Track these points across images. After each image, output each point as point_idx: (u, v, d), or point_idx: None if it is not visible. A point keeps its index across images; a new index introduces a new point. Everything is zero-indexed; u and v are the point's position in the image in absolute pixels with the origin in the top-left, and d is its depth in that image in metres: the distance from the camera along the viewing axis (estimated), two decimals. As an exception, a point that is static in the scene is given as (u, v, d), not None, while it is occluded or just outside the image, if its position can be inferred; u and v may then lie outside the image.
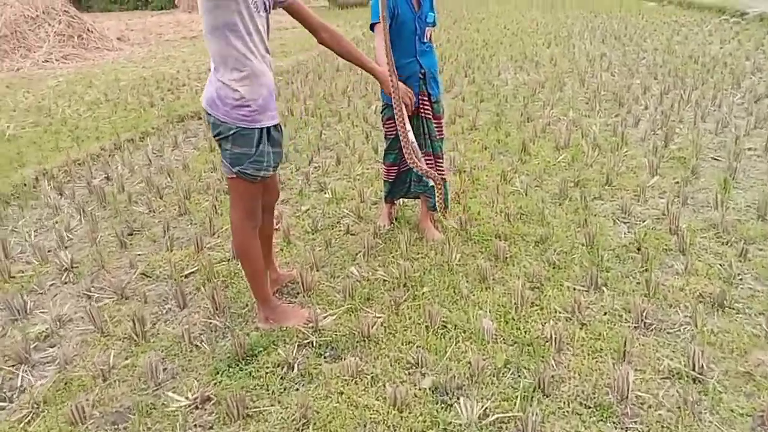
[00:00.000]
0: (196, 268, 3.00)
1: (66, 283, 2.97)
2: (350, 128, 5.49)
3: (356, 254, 3.08)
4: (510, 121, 5.45)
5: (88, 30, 13.25)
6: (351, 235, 3.32)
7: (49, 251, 3.31)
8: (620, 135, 4.64)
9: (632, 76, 6.94)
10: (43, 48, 12.15)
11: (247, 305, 2.64)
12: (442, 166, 3.16)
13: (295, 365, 2.21)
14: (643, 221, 3.28)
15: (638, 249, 2.96)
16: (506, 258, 2.93)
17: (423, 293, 2.66)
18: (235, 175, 2.18)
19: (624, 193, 3.67)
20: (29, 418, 2.02)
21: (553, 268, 2.84)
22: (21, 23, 12.35)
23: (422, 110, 2.99)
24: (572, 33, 11.20)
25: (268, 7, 2.16)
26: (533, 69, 7.81)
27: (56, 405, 2.06)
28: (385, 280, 2.79)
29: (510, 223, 3.30)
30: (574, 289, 2.65)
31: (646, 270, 2.75)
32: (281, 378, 2.16)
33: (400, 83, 2.69)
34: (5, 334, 2.54)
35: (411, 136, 2.72)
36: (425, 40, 2.95)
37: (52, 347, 2.43)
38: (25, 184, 4.33)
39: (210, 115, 2.13)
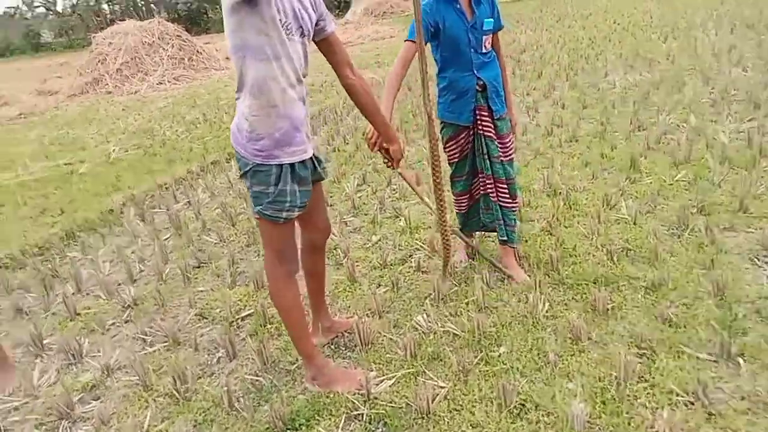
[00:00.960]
0: (253, 310, 2.78)
1: (127, 322, 2.87)
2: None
3: (425, 298, 2.69)
4: (617, 130, 4.77)
5: (198, 51, 14.03)
6: (422, 272, 2.94)
7: (119, 284, 3.27)
8: (757, 146, 3.83)
9: (771, 71, 5.89)
10: (157, 71, 13.01)
11: (297, 359, 2.35)
12: (505, 192, 2.70)
13: (340, 446, 1.87)
14: (793, 262, 2.58)
15: (787, 303, 2.29)
16: (607, 310, 2.39)
17: (499, 355, 2.22)
18: (257, 216, 1.93)
19: (764, 222, 2.95)
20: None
21: (669, 326, 2.26)
22: (139, 49, 13.34)
23: (481, 127, 2.61)
24: (693, 24, 9.97)
25: (306, 33, 1.88)
26: (646, 68, 6.94)
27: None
28: (455, 335, 2.38)
29: (613, 263, 2.74)
30: (698, 358, 2.07)
31: (800, 335, 2.10)
32: (321, 462, 1.84)
33: (396, 148, 2.36)
34: (57, 381, 2.45)
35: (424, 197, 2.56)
36: (484, 50, 2.55)
37: (95, 400, 2.30)
38: (111, 210, 4.42)
39: (234, 147, 1.88)
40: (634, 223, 3.11)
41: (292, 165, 1.89)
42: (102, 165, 6.16)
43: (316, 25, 1.95)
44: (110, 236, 4.02)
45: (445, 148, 2.73)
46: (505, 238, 2.75)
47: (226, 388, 2.12)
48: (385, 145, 2.30)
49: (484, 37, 2.53)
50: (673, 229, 3.02)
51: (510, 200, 2.72)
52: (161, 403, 2.21)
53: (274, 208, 1.89)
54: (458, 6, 2.49)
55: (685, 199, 3.32)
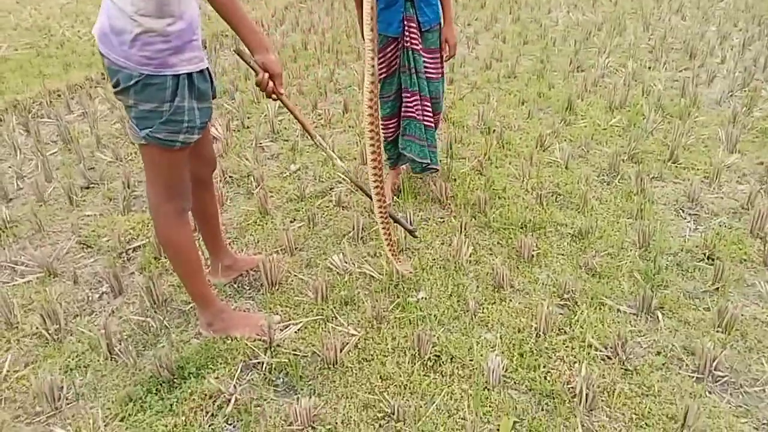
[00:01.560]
0: (146, 240, 2.45)
1: (-4, 247, 2.47)
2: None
3: (343, 236, 2.47)
4: (556, 69, 4.61)
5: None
6: (342, 208, 2.70)
7: (-10, 203, 2.81)
8: (690, 96, 3.79)
9: (707, 22, 5.89)
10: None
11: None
12: (429, 111, 2.54)
13: (233, 398, 1.66)
14: (716, 216, 2.55)
15: (708, 257, 2.26)
16: (532, 257, 2.27)
17: (417, 301, 2.06)
18: (144, 141, 1.56)
19: (692, 173, 2.91)
20: None
21: (593, 276, 2.18)
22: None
23: (408, 39, 2.40)
24: (639, -33, 9.85)
25: None
26: (590, 7, 6.78)
27: None
28: (372, 277, 2.19)
29: (542, 207, 2.62)
30: (618, 310, 2.00)
31: (718, 290, 2.07)
32: (210, 416, 1.62)
33: (271, 60, 1.67)
34: None
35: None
36: None
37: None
38: (-12, 117, 3.81)
39: (103, 55, 1.49)
40: (566, 168, 3.00)
41: (189, 76, 1.54)
42: (-16, 64, 5.33)
43: None
44: (-15, 146, 3.47)
45: (379, 61, 2.45)
46: (428, 160, 2.58)
47: (103, 331, 1.84)
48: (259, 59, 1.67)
49: None
50: (603, 175, 2.93)
51: (431, 118, 2.56)
52: (27, 345, 1.90)
53: (169, 130, 1.54)
54: None
55: (617, 145, 3.24)
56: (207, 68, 1.61)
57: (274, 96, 1.70)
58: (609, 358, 1.79)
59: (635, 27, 5.79)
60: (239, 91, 4.26)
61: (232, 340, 1.87)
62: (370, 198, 2.04)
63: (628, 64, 4.58)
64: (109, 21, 1.44)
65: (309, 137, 1.93)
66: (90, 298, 2.14)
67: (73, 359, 1.83)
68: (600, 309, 2.00)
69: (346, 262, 2.26)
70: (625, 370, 1.75)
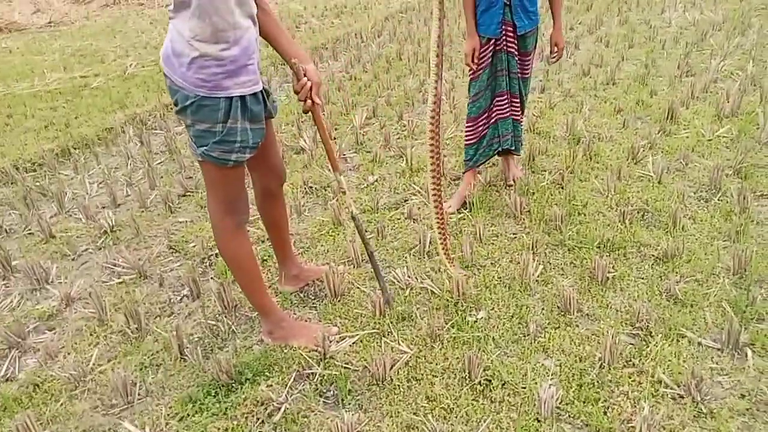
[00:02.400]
0: (228, 247, 2.60)
1: (101, 249, 2.76)
2: (459, 77, 4.69)
3: (409, 249, 2.46)
4: (662, 75, 4.27)
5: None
6: (413, 221, 2.70)
7: (102, 208, 3.14)
8: (820, 101, 3.34)
9: None
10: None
11: (261, 306, 2.18)
12: (518, 107, 2.67)
13: (283, 407, 1.72)
14: (836, 242, 2.22)
15: (819, 290, 1.97)
16: (606, 279, 2.12)
17: (475, 321, 2.00)
18: (201, 158, 1.66)
19: (811, 192, 2.56)
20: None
21: (674, 303, 1.99)
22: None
23: (505, 43, 2.53)
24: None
25: None
26: (710, 5, 6.20)
27: (11, 414, 1.80)
28: (432, 293, 2.16)
29: (625, 225, 2.44)
30: (699, 344, 1.81)
31: (827, 329, 1.80)
32: (260, 423, 1.69)
33: (312, 69, 1.73)
34: (18, 306, 2.37)
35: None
36: None
37: (50, 330, 2.21)
38: (110, 129, 4.26)
39: (166, 76, 1.60)
40: (659, 182, 2.76)
41: (242, 98, 1.61)
42: (116, 80, 5.98)
43: None
44: (105, 156, 3.89)
45: (472, 60, 2.57)
46: (513, 147, 2.76)
47: (175, 332, 1.98)
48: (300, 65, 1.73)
49: None
50: (702, 191, 2.67)
51: (518, 115, 2.71)
52: (112, 341, 2.10)
53: (222, 149, 1.62)
54: None
55: (723, 157, 2.93)
56: (262, 91, 1.69)
57: (309, 104, 1.73)
58: (681, 397, 1.63)
59: (762, 25, 5.21)
60: (330, 103, 4.41)
61: (289, 349, 1.94)
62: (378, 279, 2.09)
63: (747, 66, 4.13)
64: (171, 44, 1.55)
65: (329, 161, 1.95)
66: (171, 300, 2.32)
67: (148, 357, 1.99)
68: (677, 341, 1.82)
69: (408, 277, 2.26)
70: (699, 412, 1.58)
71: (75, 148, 3.96)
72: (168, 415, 1.74)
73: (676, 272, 2.13)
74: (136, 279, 2.46)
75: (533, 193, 2.78)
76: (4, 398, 1.83)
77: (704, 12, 5.94)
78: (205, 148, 1.62)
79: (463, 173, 2.86)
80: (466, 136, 2.74)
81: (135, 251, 2.68)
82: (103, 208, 3.15)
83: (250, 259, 1.85)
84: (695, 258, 2.19)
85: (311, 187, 3.11)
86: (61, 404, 1.80)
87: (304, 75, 1.71)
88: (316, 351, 1.91)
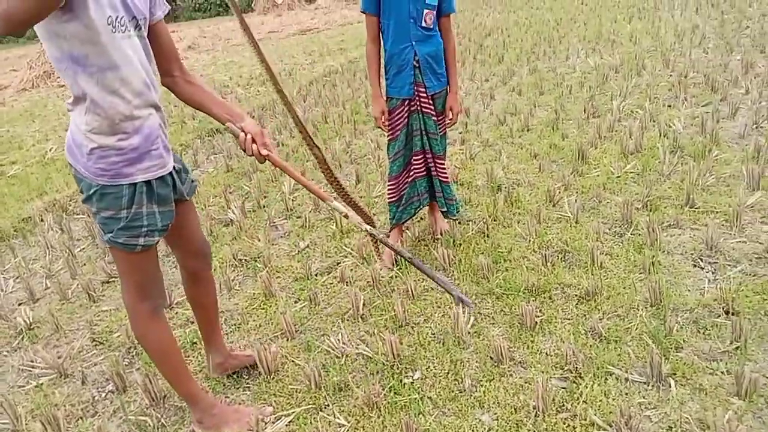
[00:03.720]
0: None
1: (17, 350, 2.58)
2: (384, 136, 4.82)
3: (344, 314, 2.45)
4: (571, 118, 4.56)
5: (154, 41, 13.46)
6: (345, 284, 2.69)
7: (19, 304, 2.97)
8: (711, 132, 3.63)
9: (730, 52, 5.72)
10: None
11: (192, 393, 2.09)
12: (443, 167, 2.76)
13: (217, 502, 1.62)
14: (737, 263, 2.38)
15: (727, 312, 2.09)
16: (535, 324, 2.17)
17: (412, 382, 1.98)
18: (108, 245, 1.63)
19: (711, 218, 2.75)
20: None
21: (599, 341, 2.05)
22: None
23: (418, 103, 2.62)
24: (659, 3, 9.80)
25: (141, 23, 1.54)
26: (608, 50, 6.74)
27: None
28: (368, 358, 2.14)
29: (547, 268, 2.52)
30: (626, 380, 1.86)
31: (738, 350, 1.90)
32: None
33: (249, 123, 1.74)
34: None
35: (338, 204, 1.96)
36: (424, 24, 2.50)
37: None
38: (28, 218, 4.08)
39: (71, 165, 1.58)
40: (576, 222, 2.90)
41: (148, 182, 1.60)
42: (35, 166, 5.78)
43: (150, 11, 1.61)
44: (23, 248, 3.70)
45: (388, 122, 2.67)
46: (445, 209, 2.84)
47: (97, 434, 1.86)
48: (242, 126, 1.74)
49: (426, 11, 2.49)
50: (615, 227, 2.82)
51: (446, 174, 2.77)
52: (28, 452, 1.94)
53: (129, 235, 1.59)
54: None
55: (631, 192, 3.12)
56: (171, 173, 1.68)
57: (260, 156, 1.73)
58: (614, 437, 1.66)
59: (654, 65, 5.69)
60: (258, 171, 4.42)
61: (222, 436, 1.85)
62: (395, 251, 1.99)
63: (645, 105, 4.48)
64: (71, 135, 1.53)
65: (314, 195, 1.95)
66: (95, 398, 2.18)
67: (69, 465, 1.85)
68: (606, 380, 1.87)
69: (343, 344, 2.23)
70: (631, 451, 1.61)
71: (-11, 243, 3.76)
72: None
73: (599, 309, 2.21)
74: (56, 379, 2.31)
75: (460, 244, 2.85)
76: None
77: (604, 56, 6.44)
78: (111, 234, 1.58)
79: (390, 230, 2.91)
80: (389, 193, 2.81)
81: (55, 348, 2.53)
82: (20, 304, 2.97)
83: (171, 345, 1.78)
84: (615, 294, 2.29)
85: (241, 260, 3.06)
86: None
87: (242, 131, 1.71)
88: (251, 435, 1.83)
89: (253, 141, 1.71)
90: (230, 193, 4.09)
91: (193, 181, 1.82)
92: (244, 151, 1.73)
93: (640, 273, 2.40)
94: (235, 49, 13.76)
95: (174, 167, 1.70)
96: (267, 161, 1.77)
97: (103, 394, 2.20)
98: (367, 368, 2.10)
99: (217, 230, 3.46)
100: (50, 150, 6.35)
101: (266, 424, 1.87)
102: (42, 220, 4.12)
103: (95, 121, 1.47)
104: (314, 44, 12.04)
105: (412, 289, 2.49)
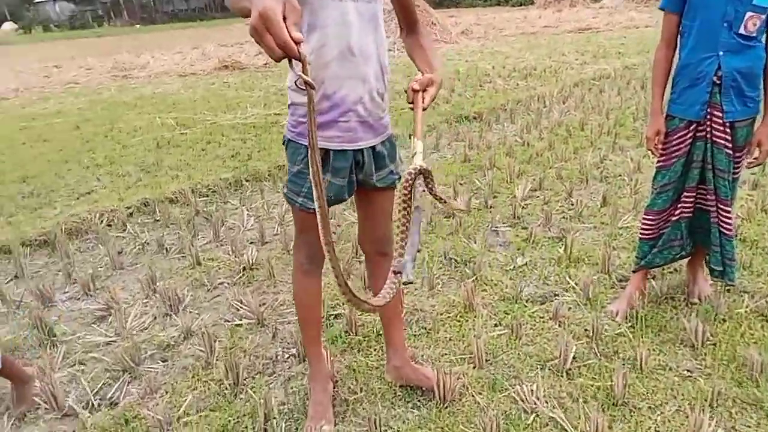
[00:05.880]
0: (343, 312, 2.44)
1: (235, 284, 2.78)
2: (647, 157, 4.10)
3: (546, 360, 2.05)
4: None
5: (432, 23, 14.05)
6: (558, 324, 2.27)
7: (250, 242, 3.22)
8: None
9: None
10: (390, 38, 13.35)
11: (362, 389, 1.95)
12: (727, 217, 2.06)
13: None
14: None
15: None
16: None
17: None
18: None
19: None
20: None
21: None
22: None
23: (711, 130, 2.03)
24: None
25: None
26: None
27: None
28: (562, 429, 1.73)
29: None
30: None
31: None
32: None
33: (433, 76, 1.49)
34: (146, 329, 2.44)
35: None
36: (743, 31, 1.89)
37: (163, 362, 2.22)
38: (282, 166, 4.47)
39: None
40: None
41: (326, 151, 1.55)
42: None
43: None
44: (270, 191, 4.06)
45: (662, 145, 2.15)
46: (721, 269, 2.13)
47: (263, 401, 1.83)
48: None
49: (749, 14, 1.87)
50: None
51: (730, 227, 2.10)
52: (209, 390, 2.02)
53: (292, 190, 1.62)
54: None
55: None
56: (364, 151, 1.60)
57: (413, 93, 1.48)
58: None
59: None
60: (495, 168, 4.14)
61: None
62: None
63: None
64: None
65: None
66: (277, 357, 2.20)
67: (232, 420, 1.86)
68: None
69: (536, 398, 1.85)
70: None
71: (246, 180, 4.21)
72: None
73: None
74: (253, 325, 2.41)
75: (723, 321, 2.18)
76: (95, 427, 1.83)
77: None
78: (284, 184, 1.66)
79: (633, 272, 2.38)
80: (643, 228, 2.29)
81: (263, 294, 2.65)
82: (251, 243, 3.22)
83: (312, 305, 1.83)
84: None
85: (451, 260, 2.84)
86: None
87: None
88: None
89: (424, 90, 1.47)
90: (461, 184, 3.90)
91: (392, 173, 1.70)
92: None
93: None
94: (505, 40, 13.58)
95: (374, 148, 1.62)
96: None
97: (286, 356, 2.21)
98: (554, 439, 1.69)
99: (437, 220, 3.29)
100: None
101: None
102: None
103: (294, 76, 1.40)
104: (589, 44, 11.15)
105: (642, 360, 1.96)
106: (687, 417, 1.71)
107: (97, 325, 2.48)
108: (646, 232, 2.28)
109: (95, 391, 2.04)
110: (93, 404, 1.98)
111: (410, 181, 1.31)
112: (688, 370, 1.96)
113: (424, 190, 1.42)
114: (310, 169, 1.06)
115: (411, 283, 1.50)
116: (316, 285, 1.81)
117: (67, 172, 4.71)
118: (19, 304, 2.65)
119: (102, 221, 3.54)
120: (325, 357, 1.95)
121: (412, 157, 1.44)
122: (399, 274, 1.24)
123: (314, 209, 1.56)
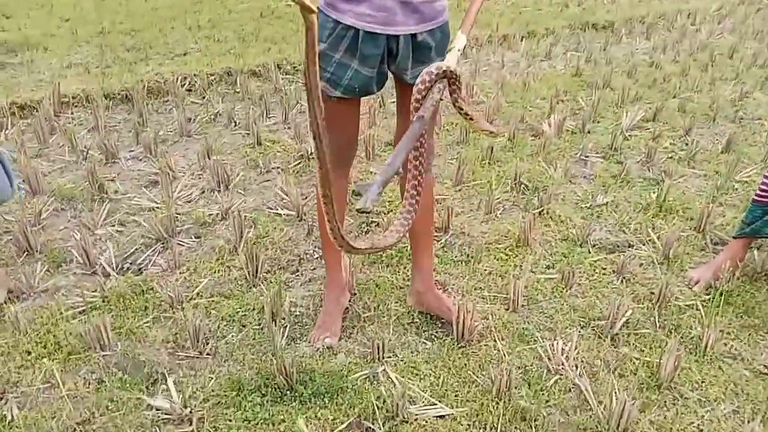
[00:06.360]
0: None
1: (290, 172, 2.67)
2: None
3: (593, 318, 1.77)
4: None
5: None
6: (623, 280, 1.95)
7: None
8: None
9: None
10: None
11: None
12: None
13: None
14: None
15: None
16: None
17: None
18: None
19: None
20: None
21: None
22: None
23: None
24: None
25: None
26: None
27: (104, 310, 1.81)
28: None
29: None
30: None
31: None
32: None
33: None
34: (194, 201, 2.43)
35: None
36: None
37: (195, 238, 2.19)
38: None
39: None
40: None
41: (356, 31, 1.33)
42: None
43: None
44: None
45: None
46: None
47: (270, 300, 1.75)
48: None
49: None
50: None
51: None
52: (229, 277, 1.97)
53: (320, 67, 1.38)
54: None
55: None
56: (400, 38, 1.34)
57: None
58: None
59: None
60: (609, 87, 3.59)
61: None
62: None
63: None
64: None
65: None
66: (306, 257, 2.09)
67: (241, 311, 1.81)
68: None
69: (564, 359, 1.61)
70: None
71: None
72: (196, 397, 1.52)
73: None
74: (293, 218, 2.31)
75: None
76: (112, 291, 1.86)
77: None
78: None
79: (733, 237, 1.97)
80: (761, 188, 1.88)
81: (312, 188, 2.53)
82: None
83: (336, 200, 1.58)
84: None
85: (521, 184, 2.52)
86: (138, 326, 1.74)
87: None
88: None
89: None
90: (561, 101, 3.43)
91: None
92: None
93: None
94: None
95: (415, 37, 1.35)
96: None
97: (315, 256, 2.10)
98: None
99: (520, 136, 2.93)
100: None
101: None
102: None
103: None
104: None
105: (709, 342, 1.63)
106: (742, 423, 1.41)
107: (148, 189, 2.50)
108: (764, 193, 1.84)
109: (126, 255, 2.07)
110: (121, 267, 2.01)
111: (427, 84, 1.04)
112: (764, 366, 1.62)
113: (442, 99, 1.13)
114: (309, 119, 0.88)
115: (367, 212, 1.27)
116: (341, 183, 1.64)
117: (170, 30, 4.72)
118: (86, 155, 2.73)
119: (184, 85, 3.53)
120: (344, 267, 1.81)
121: (447, 52, 1.15)
122: (359, 196, 1.02)
123: (336, 96, 1.39)
